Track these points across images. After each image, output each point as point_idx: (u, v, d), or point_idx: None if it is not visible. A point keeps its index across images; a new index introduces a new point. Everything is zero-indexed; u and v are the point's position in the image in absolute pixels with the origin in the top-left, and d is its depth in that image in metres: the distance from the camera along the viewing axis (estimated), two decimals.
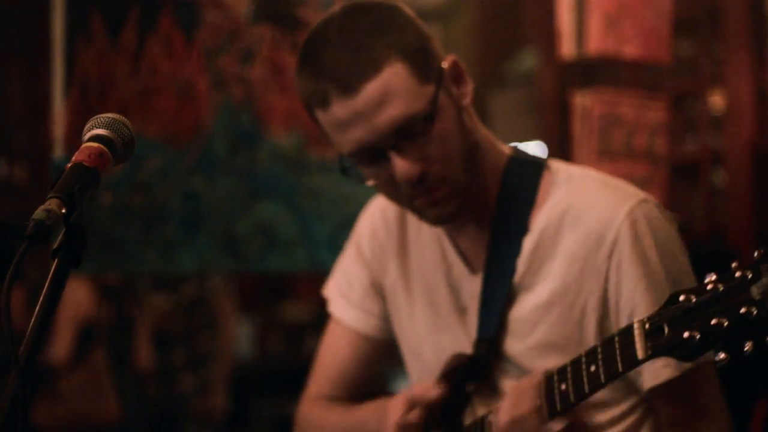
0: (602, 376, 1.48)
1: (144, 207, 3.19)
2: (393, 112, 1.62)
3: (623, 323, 1.63)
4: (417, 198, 1.69)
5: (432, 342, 1.84)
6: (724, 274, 1.34)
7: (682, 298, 1.37)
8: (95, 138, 1.28)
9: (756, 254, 1.31)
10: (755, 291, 1.30)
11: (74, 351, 4.63)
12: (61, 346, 4.57)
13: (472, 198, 1.74)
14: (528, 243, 1.73)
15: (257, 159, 3.32)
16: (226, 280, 5.46)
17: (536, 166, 1.78)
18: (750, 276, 1.30)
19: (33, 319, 1.17)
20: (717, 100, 5.26)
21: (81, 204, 1.22)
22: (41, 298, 1.18)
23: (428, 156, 1.66)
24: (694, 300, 1.35)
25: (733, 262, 1.35)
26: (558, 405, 1.57)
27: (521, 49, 6.47)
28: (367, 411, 1.85)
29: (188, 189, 3.25)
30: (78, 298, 4.68)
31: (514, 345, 1.71)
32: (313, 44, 1.67)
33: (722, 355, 1.32)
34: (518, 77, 6.64)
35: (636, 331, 1.42)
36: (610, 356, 1.46)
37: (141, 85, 3.19)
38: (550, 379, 1.58)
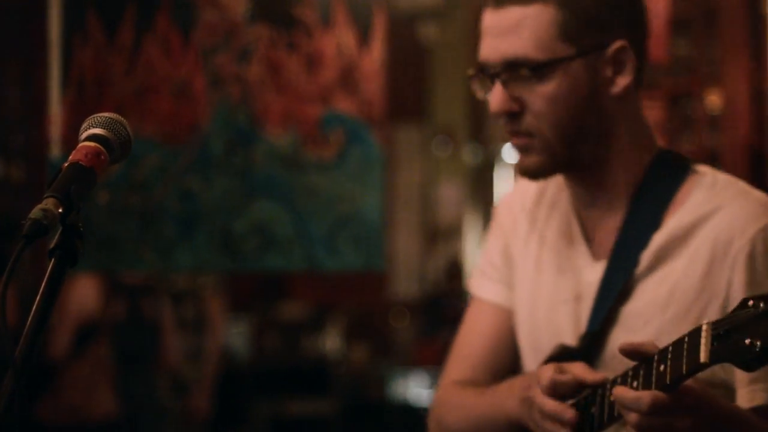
0: (668, 377, 1.43)
1: (140, 206, 3.19)
2: (511, 45, 1.66)
3: None
4: (509, 136, 1.72)
5: (546, 324, 1.79)
6: None
7: (750, 303, 1.33)
8: (92, 137, 1.28)
9: None
10: None
11: (73, 347, 4.64)
12: (60, 341, 4.58)
13: (601, 182, 1.73)
14: (657, 239, 1.69)
15: (254, 158, 3.32)
16: (216, 280, 5.40)
17: (683, 168, 1.74)
18: None
19: (29, 319, 1.17)
20: (714, 100, 5.25)
21: (78, 203, 1.21)
22: (38, 298, 1.18)
23: (526, 104, 1.67)
24: (761, 306, 1.31)
25: None
26: None
27: None
28: (501, 387, 1.76)
29: (185, 188, 3.25)
30: (82, 295, 4.69)
31: (622, 339, 1.64)
32: None
33: None
34: None
35: (703, 334, 1.37)
36: (677, 357, 1.42)
37: (137, 84, 3.19)
38: (624, 376, 1.53)
